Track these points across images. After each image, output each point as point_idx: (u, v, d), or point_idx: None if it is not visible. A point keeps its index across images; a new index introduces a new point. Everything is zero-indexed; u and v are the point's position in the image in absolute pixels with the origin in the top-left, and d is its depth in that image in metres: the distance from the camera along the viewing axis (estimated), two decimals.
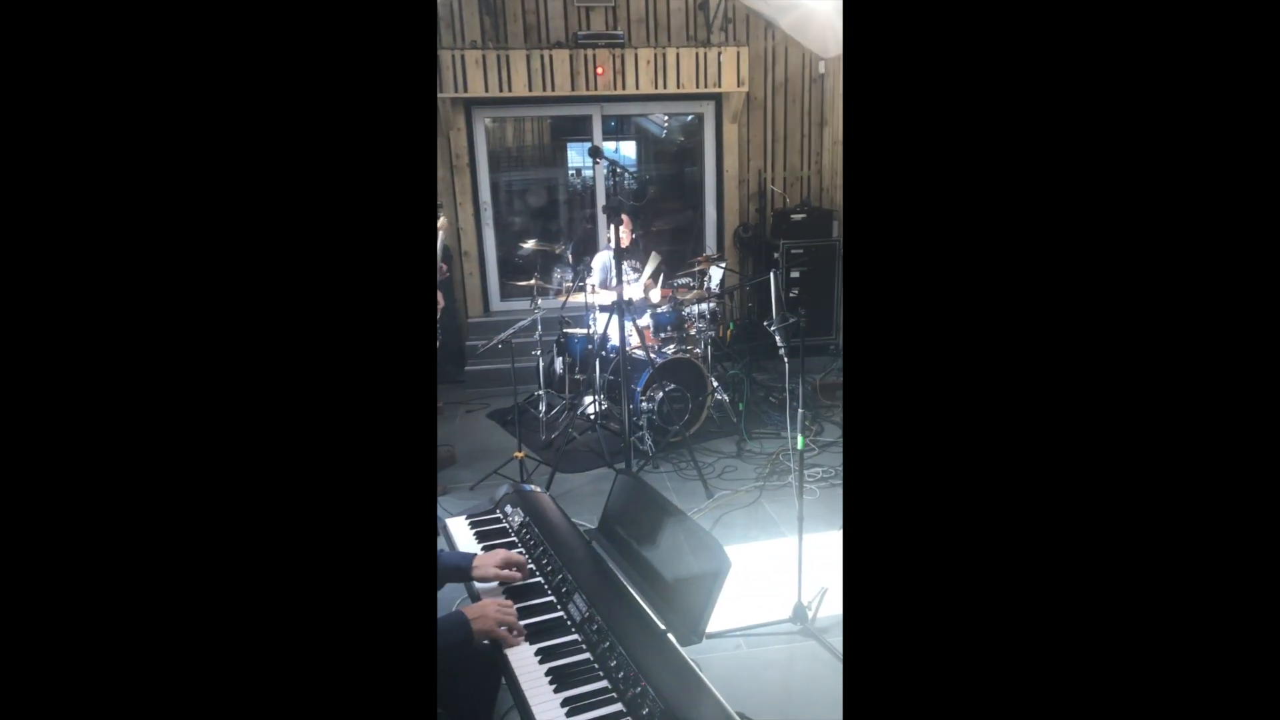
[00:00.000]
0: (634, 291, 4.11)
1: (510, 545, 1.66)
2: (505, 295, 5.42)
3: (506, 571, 1.49)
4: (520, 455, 3.29)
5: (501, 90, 4.75)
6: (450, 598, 1.45)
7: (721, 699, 1.11)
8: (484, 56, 4.69)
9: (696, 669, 1.18)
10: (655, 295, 4.16)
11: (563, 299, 4.07)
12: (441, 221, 3.59)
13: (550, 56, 4.75)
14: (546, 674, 1.24)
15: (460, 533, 1.75)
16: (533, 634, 1.35)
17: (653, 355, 3.69)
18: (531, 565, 1.57)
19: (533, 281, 3.82)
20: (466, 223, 5.18)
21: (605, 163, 2.88)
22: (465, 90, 4.71)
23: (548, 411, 4.01)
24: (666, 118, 5.73)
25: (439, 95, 4.73)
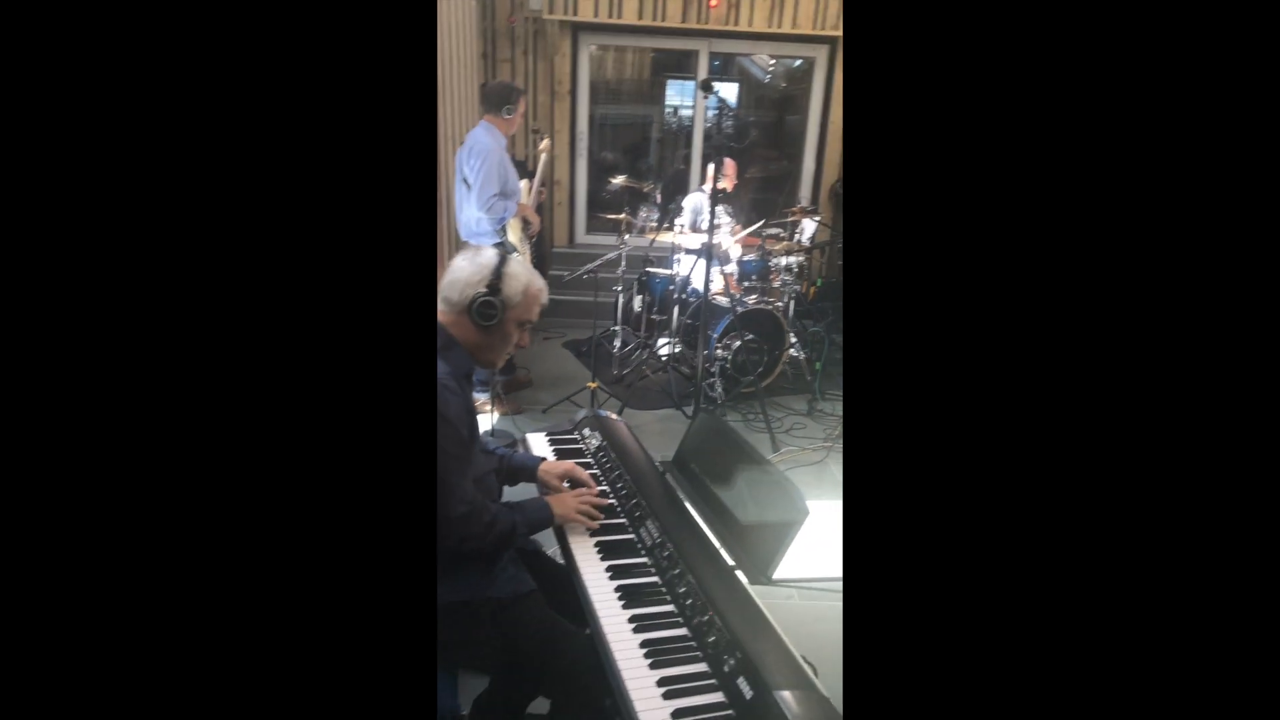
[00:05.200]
0: (726, 240, 4.02)
1: (586, 466, 1.71)
2: (591, 228, 5.43)
3: (564, 485, 1.58)
4: (593, 386, 3.35)
5: (611, 16, 4.63)
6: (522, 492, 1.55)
7: (786, 640, 1.13)
8: None
9: (763, 608, 1.20)
10: (750, 247, 4.05)
11: (651, 237, 4.03)
12: (545, 144, 3.59)
13: None
14: (616, 590, 1.28)
15: (539, 449, 1.81)
16: (604, 551, 1.39)
17: (734, 303, 3.64)
18: (605, 487, 1.61)
19: (623, 216, 3.80)
20: (560, 151, 5.17)
21: (714, 97, 2.79)
22: (575, 13, 4.62)
23: (622, 347, 4.04)
24: (774, 61, 5.49)
25: (547, 16, 4.66)
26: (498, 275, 1.36)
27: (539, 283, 1.43)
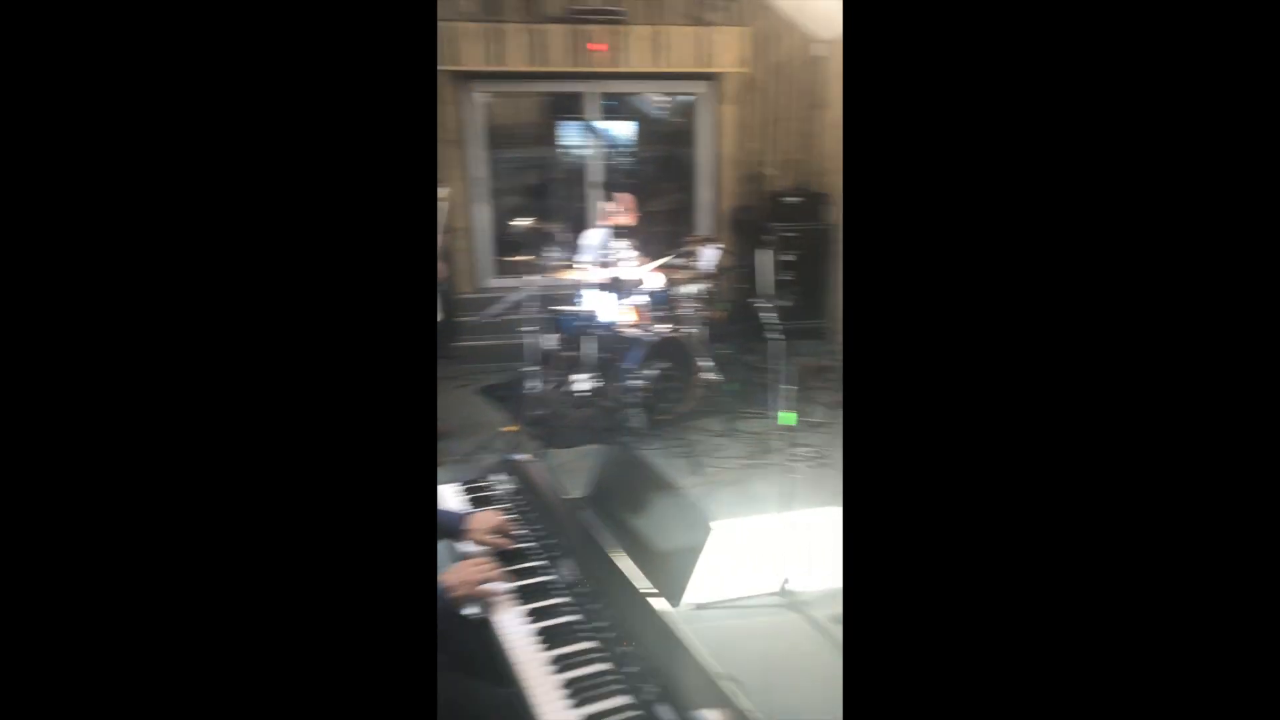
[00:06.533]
0: (630, 272, 4.10)
1: (503, 511, 1.69)
2: (497, 272, 5.42)
3: (497, 538, 1.51)
4: (512, 429, 3.32)
5: (496, 64, 4.70)
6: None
7: (705, 657, 1.15)
8: (481, 29, 4.63)
9: (680, 630, 1.22)
10: (655, 278, 4.12)
11: (561, 276, 4.06)
12: (446, 192, 3.58)
13: (547, 31, 4.70)
14: (538, 633, 1.27)
15: (453, 501, 1.78)
16: (524, 595, 1.38)
17: (644, 334, 3.71)
18: (525, 530, 1.60)
19: (527, 258, 3.82)
20: (456, 198, 5.15)
21: (598, 140, 2.87)
22: (459, 63, 4.66)
23: (539, 388, 4.02)
24: (670, 99, 5.68)
25: (441, 67, 4.68)
26: None
27: None
